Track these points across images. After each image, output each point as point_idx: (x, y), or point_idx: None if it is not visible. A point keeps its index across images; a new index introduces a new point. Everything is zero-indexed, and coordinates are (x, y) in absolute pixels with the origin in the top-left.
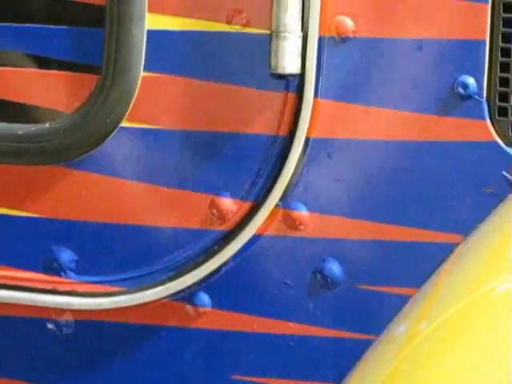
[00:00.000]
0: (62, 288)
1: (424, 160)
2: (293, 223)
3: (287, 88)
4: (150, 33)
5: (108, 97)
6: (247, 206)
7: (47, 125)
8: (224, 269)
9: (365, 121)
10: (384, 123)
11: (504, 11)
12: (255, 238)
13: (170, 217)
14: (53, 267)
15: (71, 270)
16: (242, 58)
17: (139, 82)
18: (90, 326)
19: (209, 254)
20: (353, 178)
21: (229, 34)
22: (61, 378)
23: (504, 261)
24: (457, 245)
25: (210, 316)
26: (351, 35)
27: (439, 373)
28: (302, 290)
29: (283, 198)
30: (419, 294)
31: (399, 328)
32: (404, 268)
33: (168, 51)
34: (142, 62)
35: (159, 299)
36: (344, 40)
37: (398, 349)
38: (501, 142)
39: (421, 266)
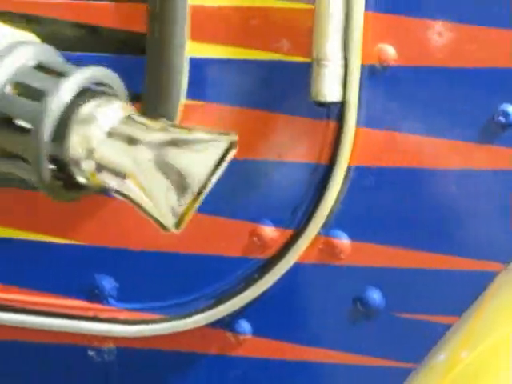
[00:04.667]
0: (103, 315)
1: (465, 188)
2: (333, 251)
3: (328, 116)
4: (192, 60)
5: None
6: (288, 233)
7: None
8: (264, 296)
9: (406, 149)
10: (425, 151)
11: None
12: (296, 266)
13: (210, 245)
14: (94, 294)
15: (112, 297)
16: (283, 86)
17: (180, 109)
18: (131, 354)
19: (249, 281)
20: (394, 206)
21: (270, 61)
22: None
23: None
24: (498, 273)
25: (250, 343)
26: (393, 63)
27: None
28: (343, 318)
29: (324, 226)
30: (460, 322)
31: (440, 356)
32: (445, 296)
33: (210, 79)
34: (184, 90)
35: (200, 327)
36: (385, 68)
37: (439, 377)
38: None
39: (462, 294)
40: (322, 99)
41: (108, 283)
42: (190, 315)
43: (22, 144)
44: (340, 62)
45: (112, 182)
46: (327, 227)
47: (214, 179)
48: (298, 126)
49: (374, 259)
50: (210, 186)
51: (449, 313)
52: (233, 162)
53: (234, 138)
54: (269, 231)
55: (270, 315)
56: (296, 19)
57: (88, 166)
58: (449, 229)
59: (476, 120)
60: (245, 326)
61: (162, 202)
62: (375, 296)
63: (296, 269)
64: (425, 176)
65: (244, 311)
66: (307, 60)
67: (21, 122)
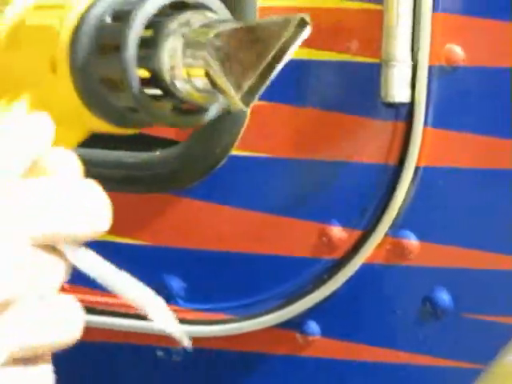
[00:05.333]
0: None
1: None
2: (402, 252)
3: (397, 117)
4: None
5: (218, 125)
6: (356, 234)
7: (157, 153)
8: (333, 297)
9: (474, 149)
10: (493, 152)
11: None
12: (364, 267)
13: (278, 245)
14: (163, 295)
15: (181, 297)
16: (352, 87)
17: (249, 110)
18: (199, 354)
19: (318, 282)
20: (462, 207)
21: (339, 62)
22: None
23: None
24: None
25: (319, 344)
26: (461, 64)
27: None
28: (411, 318)
29: (392, 227)
30: None
31: (509, 357)
32: None
33: (279, 79)
34: None
35: (268, 327)
36: (454, 68)
37: (509, 378)
38: None
39: None
40: (390, 100)
41: (176, 283)
42: (258, 316)
43: (118, 68)
44: (408, 63)
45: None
46: (396, 228)
47: (287, 57)
48: (367, 126)
49: (442, 260)
50: (281, 63)
51: None
52: (301, 163)
53: (306, 16)
54: (337, 232)
55: (339, 316)
56: (365, 20)
57: (180, 80)
58: None
59: None
60: (313, 326)
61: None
62: (444, 296)
63: (364, 269)
64: (493, 177)
65: (313, 312)
66: (376, 61)
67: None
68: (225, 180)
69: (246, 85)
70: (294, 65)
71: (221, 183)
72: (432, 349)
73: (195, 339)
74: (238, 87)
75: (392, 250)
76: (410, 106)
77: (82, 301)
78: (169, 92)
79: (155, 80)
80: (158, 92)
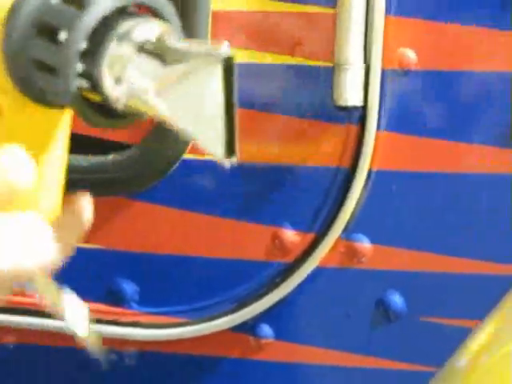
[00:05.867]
0: (125, 319)
1: (487, 192)
2: (355, 255)
3: (349, 120)
4: None
5: (170, 129)
6: (309, 237)
7: (110, 157)
8: (286, 300)
9: (427, 153)
10: (446, 155)
11: None
12: (317, 270)
13: (231, 248)
14: (116, 298)
15: (134, 301)
16: (304, 91)
17: None
18: (152, 357)
19: (271, 285)
20: (415, 210)
21: (291, 66)
22: None
23: None
24: None
25: (272, 348)
26: (414, 67)
27: None
28: (364, 321)
29: (345, 230)
30: (481, 326)
31: (460, 360)
32: (467, 300)
33: None
34: None
35: (221, 331)
36: (406, 72)
37: (459, 382)
38: None
39: (483, 298)
40: (343, 103)
41: (129, 287)
42: (211, 319)
43: (56, 54)
44: (361, 66)
45: (145, 102)
46: (348, 231)
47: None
48: (319, 130)
49: (395, 263)
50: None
51: (471, 317)
52: (254, 167)
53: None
54: (290, 235)
55: (292, 319)
56: (318, 23)
57: (120, 87)
58: (470, 233)
59: (495, 124)
60: (266, 330)
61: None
62: (397, 300)
63: (317, 273)
64: (446, 180)
65: (266, 315)
66: (328, 64)
67: (62, 34)
68: (178, 184)
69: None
70: (245, 69)
71: (174, 187)
72: (385, 351)
73: (148, 343)
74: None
75: (345, 253)
76: (363, 109)
77: (36, 304)
78: (98, 89)
79: (90, 78)
80: (86, 85)
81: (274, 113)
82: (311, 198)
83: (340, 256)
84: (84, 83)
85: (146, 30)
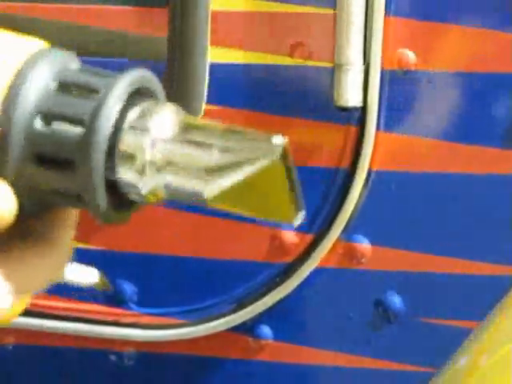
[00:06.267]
0: (124, 320)
1: (487, 193)
2: (354, 256)
3: (349, 121)
4: (213, 66)
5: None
6: (308, 238)
7: None
8: (286, 301)
9: (426, 153)
10: (445, 156)
11: None
12: (317, 271)
13: (231, 249)
14: (115, 300)
15: (133, 302)
16: (304, 91)
17: (201, 114)
18: (151, 358)
19: (270, 286)
20: (414, 211)
21: (291, 67)
22: None
23: None
24: None
25: (271, 348)
26: (413, 68)
27: None
28: (364, 322)
29: (345, 231)
30: (481, 326)
31: (460, 361)
32: (466, 301)
33: (230, 84)
34: (205, 96)
35: (221, 331)
36: (406, 73)
37: (459, 382)
38: None
39: (483, 298)
40: (343, 104)
41: (129, 288)
42: (210, 320)
43: (68, 179)
44: (361, 67)
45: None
46: (348, 232)
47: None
48: (320, 130)
49: (394, 264)
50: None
51: (470, 317)
52: None
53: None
54: (289, 236)
55: (291, 320)
56: (317, 24)
57: (148, 182)
58: (470, 234)
59: (496, 125)
60: (266, 330)
61: None
62: (396, 300)
63: (317, 273)
64: (446, 181)
65: (265, 316)
66: (328, 65)
67: (61, 156)
68: None
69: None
70: (244, 70)
71: None
72: (384, 353)
73: (147, 344)
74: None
75: (344, 254)
76: (363, 110)
77: (35, 305)
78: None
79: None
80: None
81: (273, 113)
82: (311, 198)
83: (339, 257)
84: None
85: (161, 119)
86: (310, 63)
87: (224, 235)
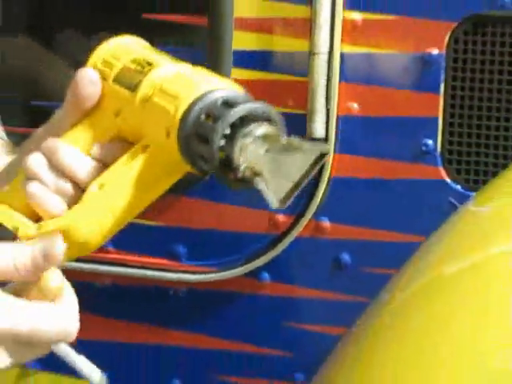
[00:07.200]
0: (178, 268)
1: (397, 193)
2: (320, 230)
3: None
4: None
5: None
6: (292, 218)
7: None
8: (277, 258)
9: (374, 168)
10: (388, 168)
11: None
12: (297, 239)
13: (243, 225)
14: (172, 256)
15: (185, 257)
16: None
17: None
18: (196, 293)
19: (268, 247)
20: (359, 200)
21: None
22: (182, 325)
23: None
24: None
25: (269, 287)
26: (358, 114)
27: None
28: (326, 271)
29: (315, 214)
30: (405, 266)
31: (385, 294)
32: (395, 255)
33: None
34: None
35: (237, 276)
36: (353, 117)
37: (379, 310)
38: (449, 180)
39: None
40: (312, 136)
41: (182, 249)
42: (231, 268)
43: (211, 130)
44: (324, 113)
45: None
46: (317, 214)
47: (313, 172)
48: None
49: (347, 235)
50: (308, 176)
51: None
52: None
53: (326, 149)
54: (280, 217)
55: (282, 270)
56: (295, 87)
57: (243, 159)
58: (393, 214)
59: (408, 150)
60: (265, 275)
61: (272, 189)
62: (346, 257)
63: (297, 240)
64: (375, 184)
65: (265, 266)
66: (303, 112)
67: (204, 136)
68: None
69: (285, 191)
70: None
71: (213, 185)
72: (337, 289)
73: (194, 283)
74: (277, 192)
75: (314, 228)
76: (326, 139)
77: (113, 258)
78: (230, 160)
79: (227, 160)
80: (224, 157)
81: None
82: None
83: (311, 230)
84: (223, 154)
85: (262, 129)
86: (291, 111)
87: (241, 217)
